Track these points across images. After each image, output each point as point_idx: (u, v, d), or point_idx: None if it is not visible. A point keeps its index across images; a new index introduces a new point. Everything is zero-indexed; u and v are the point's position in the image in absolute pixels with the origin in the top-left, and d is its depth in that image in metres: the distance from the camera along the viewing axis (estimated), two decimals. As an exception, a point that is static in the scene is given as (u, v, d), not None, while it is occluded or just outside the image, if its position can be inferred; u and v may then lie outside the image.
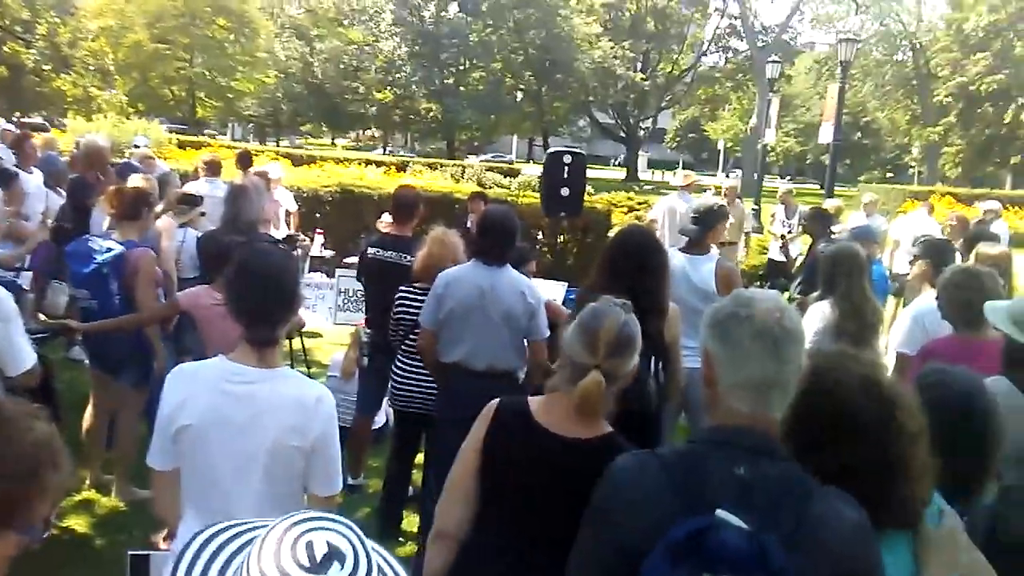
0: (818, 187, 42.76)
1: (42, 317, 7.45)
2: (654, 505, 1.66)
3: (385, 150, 50.01)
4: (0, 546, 1.50)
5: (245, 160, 10.07)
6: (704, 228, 5.00)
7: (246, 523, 1.35)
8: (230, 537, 1.31)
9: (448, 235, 4.75)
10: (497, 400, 2.42)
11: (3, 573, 1.48)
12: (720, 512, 1.52)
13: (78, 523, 4.79)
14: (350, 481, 5.31)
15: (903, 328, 4.46)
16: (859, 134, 47.93)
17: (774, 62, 22.43)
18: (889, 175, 50.94)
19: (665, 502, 1.65)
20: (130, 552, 2.81)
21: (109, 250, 4.68)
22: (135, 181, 5.56)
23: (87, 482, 5.16)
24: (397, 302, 4.72)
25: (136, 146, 12.10)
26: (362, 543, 1.20)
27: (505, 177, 25.68)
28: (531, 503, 2.26)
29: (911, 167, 50.76)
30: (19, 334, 3.41)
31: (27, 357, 3.44)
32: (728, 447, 1.68)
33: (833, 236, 7.69)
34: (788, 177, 55.23)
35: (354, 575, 1.15)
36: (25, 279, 6.52)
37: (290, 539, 1.17)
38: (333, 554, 1.16)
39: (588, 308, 2.35)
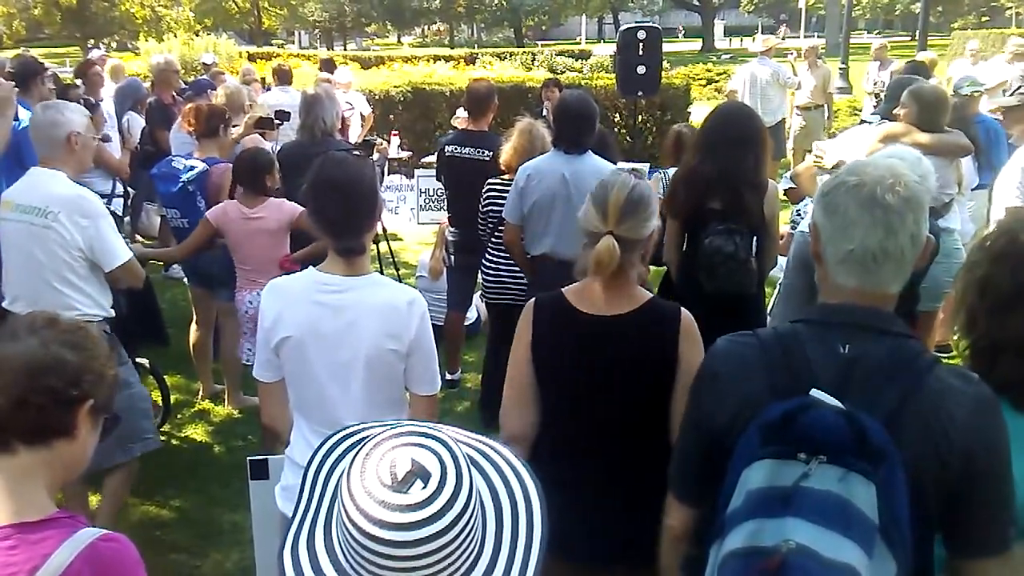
0: (908, 39, 40.26)
1: (139, 239, 7.72)
2: (745, 387, 1.62)
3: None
4: (95, 424, 1.65)
5: (329, 66, 10.13)
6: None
7: (369, 428, 1.35)
8: (351, 445, 1.33)
9: (535, 126, 4.68)
10: (533, 299, 2.42)
11: (91, 450, 1.67)
12: (815, 391, 1.47)
13: (196, 433, 5.04)
14: (448, 377, 5.42)
15: (1012, 182, 4.20)
16: (952, -23, 44.61)
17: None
18: (985, 19, 47.49)
19: (757, 383, 1.60)
20: (249, 457, 2.94)
21: (192, 168, 4.76)
22: (228, 97, 5.62)
23: (200, 394, 5.40)
24: (485, 195, 4.69)
25: (204, 63, 12.15)
26: (454, 459, 1.17)
27: (577, 60, 24.96)
28: (587, 389, 2.27)
29: (1008, 9, 47.21)
30: (111, 230, 3.53)
31: (121, 251, 3.55)
32: (831, 325, 1.60)
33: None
34: (877, 31, 52.16)
35: (436, 495, 1.13)
36: (117, 205, 6.71)
37: (376, 456, 1.16)
38: (417, 472, 1.14)
39: (598, 182, 2.33)
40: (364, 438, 1.32)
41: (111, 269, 3.53)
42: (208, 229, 4.49)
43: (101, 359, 1.62)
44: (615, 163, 4.38)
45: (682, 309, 2.31)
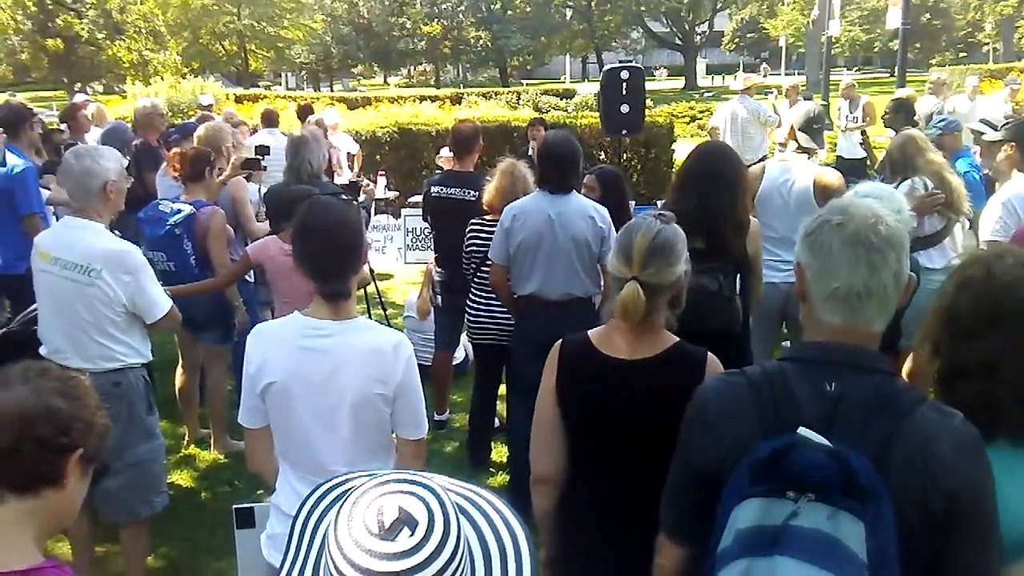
0: (887, 75, 40.94)
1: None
2: (735, 426, 1.63)
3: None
4: (85, 473, 1.63)
5: (307, 112, 10.29)
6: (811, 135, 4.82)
7: (357, 477, 1.33)
8: (339, 495, 1.31)
9: (517, 166, 4.71)
10: (560, 340, 2.41)
11: (80, 500, 1.65)
12: (802, 429, 1.48)
13: (182, 478, 4.98)
14: (436, 417, 5.39)
15: (993, 216, 4.26)
16: (927, 15, 45.38)
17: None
18: (962, 55, 48.30)
19: (746, 423, 1.61)
20: (235, 506, 2.90)
21: (179, 211, 4.75)
22: (205, 138, 5.62)
23: (186, 439, 5.35)
24: (469, 235, 4.71)
25: (202, 105, 12.25)
26: (442, 507, 1.15)
27: (561, 99, 25.22)
28: (610, 433, 2.26)
29: (984, 45, 48.10)
30: (151, 283, 3.54)
31: (162, 301, 3.58)
32: (818, 363, 1.62)
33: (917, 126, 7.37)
34: (856, 68, 53.02)
35: (424, 542, 1.11)
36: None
37: (363, 504, 1.14)
38: (404, 520, 1.12)
39: (623, 226, 2.33)
40: (352, 487, 1.31)
41: (154, 321, 3.56)
42: (247, 262, 4.57)
43: (92, 408, 1.62)
44: (628, 206, 4.42)
45: (708, 353, 2.28)
